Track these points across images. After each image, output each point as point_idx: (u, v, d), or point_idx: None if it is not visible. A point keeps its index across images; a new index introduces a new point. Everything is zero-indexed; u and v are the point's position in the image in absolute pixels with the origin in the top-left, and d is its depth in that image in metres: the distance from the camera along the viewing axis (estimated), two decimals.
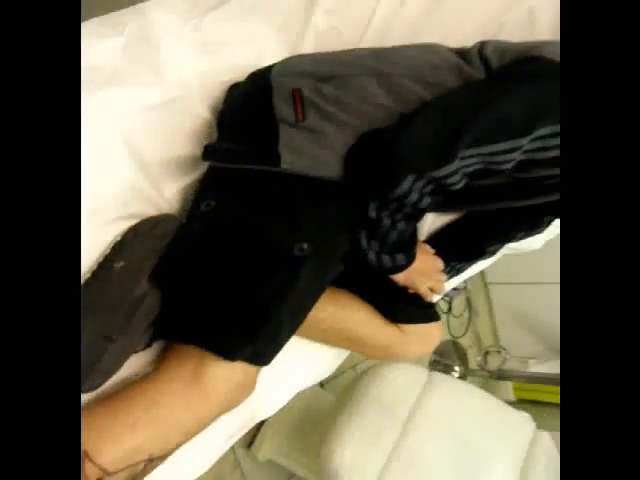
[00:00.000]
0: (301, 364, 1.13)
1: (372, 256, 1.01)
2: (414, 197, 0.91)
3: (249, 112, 1.00)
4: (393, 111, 0.94)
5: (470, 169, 0.90)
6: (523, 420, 1.99)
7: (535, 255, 2.67)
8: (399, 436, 1.62)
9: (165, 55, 1.08)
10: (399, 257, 1.04)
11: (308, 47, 1.24)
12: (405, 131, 0.89)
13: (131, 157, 1.00)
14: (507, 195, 1.10)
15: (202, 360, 0.87)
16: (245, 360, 0.88)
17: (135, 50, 1.07)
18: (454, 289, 2.66)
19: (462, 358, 2.79)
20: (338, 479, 1.50)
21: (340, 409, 1.61)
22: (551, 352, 2.98)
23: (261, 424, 1.89)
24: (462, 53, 1.04)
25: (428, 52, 1.03)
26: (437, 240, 1.27)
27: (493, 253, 1.35)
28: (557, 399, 2.93)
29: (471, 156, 0.88)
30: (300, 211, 0.92)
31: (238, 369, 0.88)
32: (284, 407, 1.86)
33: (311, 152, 0.92)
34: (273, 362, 0.93)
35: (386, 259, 1.03)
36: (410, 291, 1.15)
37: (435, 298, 1.23)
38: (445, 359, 2.81)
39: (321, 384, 2.06)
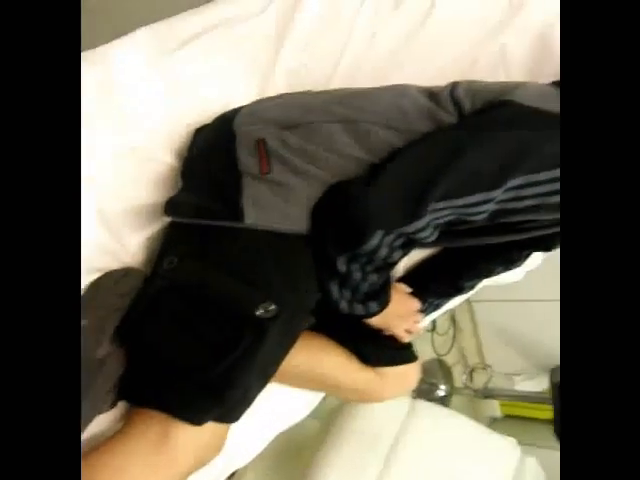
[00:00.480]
0: (275, 411, 1.10)
1: (344, 305, 0.99)
2: (384, 252, 0.90)
3: (213, 162, 0.97)
4: (362, 161, 0.92)
5: (441, 220, 0.89)
6: (508, 445, 1.98)
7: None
8: (382, 470, 1.61)
9: (128, 100, 1.05)
10: (372, 305, 1.02)
11: (279, 84, 1.21)
12: (374, 184, 0.86)
13: (93, 209, 0.97)
14: (483, 233, 1.08)
15: (168, 423, 0.84)
16: (213, 420, 0.86)
17: (98, 95, 1.04)
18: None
19: (447, 376, 2.77)
20: None
21: (323, 441, 1.60)
22: (537, 369, 2.96)
23: None
24: (433, 94, 1.02)
25: (398, 96, 1.01)
26: (414, 277, 1.25)
27: (472, 288, 1.34)
28: (544, 415, 2.93)
29: (442, 209, 0.86)
30: (266, 268, 0.89)
31: (206, 429, 0.86)
32: None
33: (276, 206, 0.89)
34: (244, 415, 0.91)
35: (359, 308, 1.01)
36: (386, 333, 1.13)
37: (410, 338, 1.21)
38: (430, 378, 2.80)
39: None
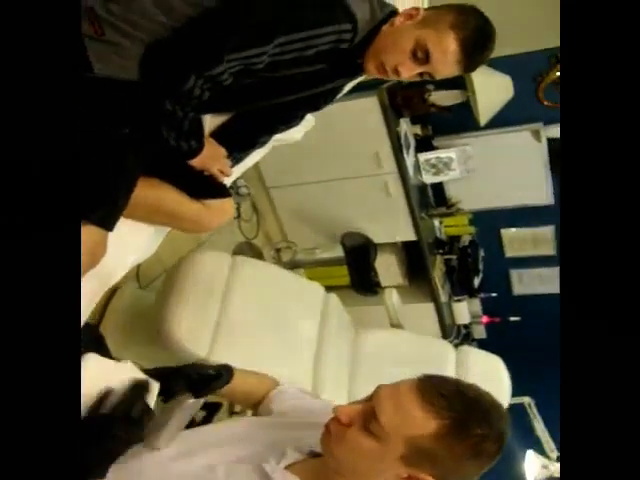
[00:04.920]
0: (131, 242, 1.33)
1: (173, 142, 1.24)
2: (197, 92, 1.17)
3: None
4: (169, 26, 1.17)
5: (234, 69, 1.19)
6: (315, 286, 2.40)
7: (305, 159, 3.09)
8: (220, 308, 1.91)
9: None
10: (193, 143, 1.29)
11: None
12: (183, 42, 1.13)
13: None
14: (267, 95, 1.40)
15: None
16: (96, 224, 1.07)
17: None
18: (239, 195, 2.97)
19: (258, 256, 3.14)
20: (180, 349, 1.75)
21: (167, 296, 1.85)
22: (331, 241, 3.44)
23: None
24: None
25: None
26: (216, 136, 1.54)
27: (264, 143, 1.67)
28: (342, 282, 3.45)
29: (234, 59, 1.16)
30: (118, 106, 1.12)
31: (92, 231, 1.07)
32: (112, 311, 2.04)
33: (114, 61, 1.12)
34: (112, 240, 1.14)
35: (184, 145, 1.28)
36: (205, 173, 1.41)
37: (226, 180, 1.50)
38: None
39: (141, 287, 2.26)
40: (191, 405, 1.08)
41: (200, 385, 1.15)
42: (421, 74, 1.29)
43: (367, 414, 0.92)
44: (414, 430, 0.89)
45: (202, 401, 1.13)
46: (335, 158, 3.15)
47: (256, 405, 1.28)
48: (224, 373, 1.20)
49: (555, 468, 2.63)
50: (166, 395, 1.12)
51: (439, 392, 0.91)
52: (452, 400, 0.90)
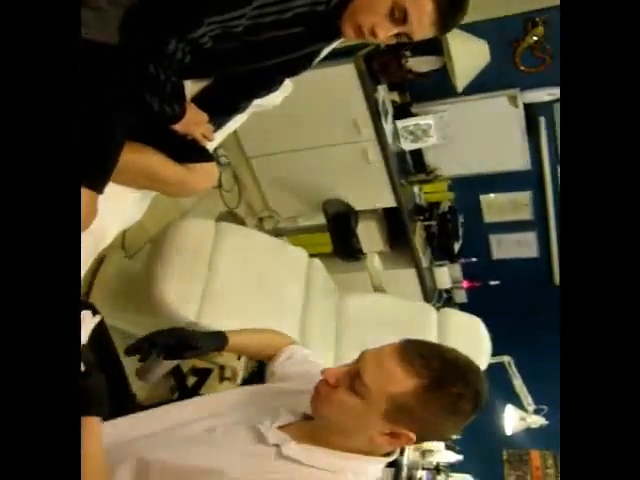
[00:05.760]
0: (118, 206, 1.36)
1: (156, 106, 1.26)
2: (179, 55, 1.19)
3: None
4: None
5: (214, 32, 1.20)
6: (299, 251, 2.44)
7: (283, 127, 3.09)
8: (207, 273, 1.95)
9: None
10: (175, 107, 1.31)
11: None
12: (163, 5, 1.15)
13: None
14: (247, 59, 1.42)
15: None
16: (87, 187, 1.10)
17: None
18: (220, 164, 2.98)
19: (242, 225, 3.16)
20: (169, 313, 1.79)
21: (154, 263, 1.88)
22: (313, 209, 3.47)
23: None
24: None
25: None
26: (197, 102, 1.56)
27: (244, 109, 1.69)
28: (325, 249, 3.48)
29: (214, 22, 1.18)
30: (102, 70, 1.14)
31: (83, 194, 1.10)
32: (100, 281, 2.07)
33: (97, 24, 1.14)
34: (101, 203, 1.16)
35: (167, 109, 1.30)
36: (188, 138, 1.43)
37: (208, 144, 1.53)
38: None
39: (127, 256, 2.29)
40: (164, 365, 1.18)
41: (174, 351, 1.21)
42: (398, 35, 1.32)
43: (353, 375, 1.01)
44: (395, 388, 0.97)
45: (174, 363, 1.22)
46: (314, 126, 3.16)
47: (269, 359, 1.37)
48: (205, 344, 1.25)
49: (532, 420, 2.74)
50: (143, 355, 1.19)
51: (419, 353, 1.00)
52: (430, 360, 0.99)
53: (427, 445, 2.95)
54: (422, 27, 1.30)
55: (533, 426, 2.79)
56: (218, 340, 1.28)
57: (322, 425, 1.05)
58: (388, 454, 1.07)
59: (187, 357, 1.23)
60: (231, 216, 3.08)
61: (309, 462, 1.00)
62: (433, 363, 0.98)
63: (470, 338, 2.71)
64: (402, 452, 2.68)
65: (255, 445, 1.02)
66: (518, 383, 2.85)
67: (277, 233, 3.30)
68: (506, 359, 2.93)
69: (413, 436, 1.00)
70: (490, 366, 2.76)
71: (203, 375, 2.51)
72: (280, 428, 1.06)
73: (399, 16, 1.27)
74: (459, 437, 2.88)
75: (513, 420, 2.81)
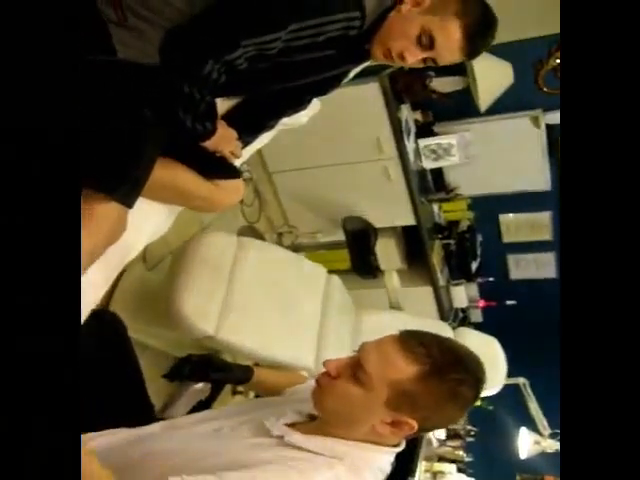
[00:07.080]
0: (146, 220, 1.39)
1: (189, 124, 1.29)
2: (215, 75, 1.22)
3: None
4: (187, 13, 1.22)
5: (249, 54, 1.23)
6: (318, 267, 2.46)
7: (307, 144, 3.12)
8: (227, 287, 1.97)
9: None
10: (207, 125, 1.34)
11: None
12: (201, 28, 1.18)
13: None
14: (278, 79, 1.45)
15: (92, 201, 1.08)
16: (118, 201, 1.13)
17: None
18: (244, 180, 3.01)
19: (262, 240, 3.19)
20: (188, 326, 1.81)
21: (175, 276, 1.90)
22: (332, 225, 3.47)
23: None
24: None
25: None
26: (227, 119, 1.59)
27: (272, 127, 1.72)
28: (343, 265, 3.48)
29: (250, 45, 1.21)
30: (139, 88, 1.17)
31: (114, 208, 1.12)
32: (120, 292, 2.09)
33: (136, 45, 1.17)
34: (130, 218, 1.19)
35: (199, 127, 1.33)
36: (217, 155, 1.46)
37: (236, 161, 1.55)
38: None
39: (147, 268, 2.31)
40: (196, 390, 1.22)
41: (203, 373, 1.25)
42: (425, 60, 1.35)
43: (354, 365, 1.04)
44: (397, 375, 1.00)
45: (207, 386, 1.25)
46: (337, 143, 3.18)
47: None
48: (235, 374, 1.31)
49: (547, 444, 2.71)
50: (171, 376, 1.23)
51: (419, 342, 1.03)
52: (431, 348, 1.02)
53: (438, 467, 2.93)
54: (449, 53, 1.32)
55: (548, 450, 2.76)
56: (244, 372, 1.33)
57: (325, 419, 1.08)
58: (394, 446, 1.09)
59: (214, 378, 1.26)
60: (251, 230, 3.10)
61: (307, 446, 1.03)
62: (433, 350, 1.01)
63: (486, 358, 2.65)
64: (413, 474, 2.66)
65: (258, 438, 1.06)
66: (533, 406, 2.82)
67: (296, 249, 3.32)
68: (522, 381, 2.90)
69: (415, 424, 1.02)
70: (505, 388, 2.75)
71: (217, 386, 2.52)
72: (286, 425, 1.10)
73: (426, 42, 1.29)
74: (471, 460, 2.86)
75: (527, 444, 2.77)
